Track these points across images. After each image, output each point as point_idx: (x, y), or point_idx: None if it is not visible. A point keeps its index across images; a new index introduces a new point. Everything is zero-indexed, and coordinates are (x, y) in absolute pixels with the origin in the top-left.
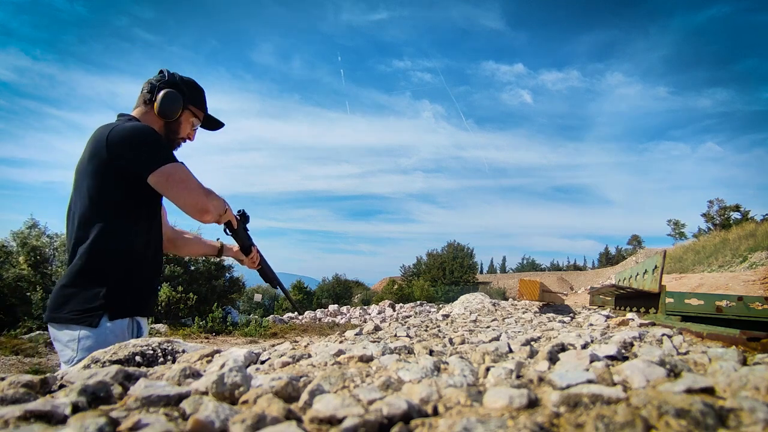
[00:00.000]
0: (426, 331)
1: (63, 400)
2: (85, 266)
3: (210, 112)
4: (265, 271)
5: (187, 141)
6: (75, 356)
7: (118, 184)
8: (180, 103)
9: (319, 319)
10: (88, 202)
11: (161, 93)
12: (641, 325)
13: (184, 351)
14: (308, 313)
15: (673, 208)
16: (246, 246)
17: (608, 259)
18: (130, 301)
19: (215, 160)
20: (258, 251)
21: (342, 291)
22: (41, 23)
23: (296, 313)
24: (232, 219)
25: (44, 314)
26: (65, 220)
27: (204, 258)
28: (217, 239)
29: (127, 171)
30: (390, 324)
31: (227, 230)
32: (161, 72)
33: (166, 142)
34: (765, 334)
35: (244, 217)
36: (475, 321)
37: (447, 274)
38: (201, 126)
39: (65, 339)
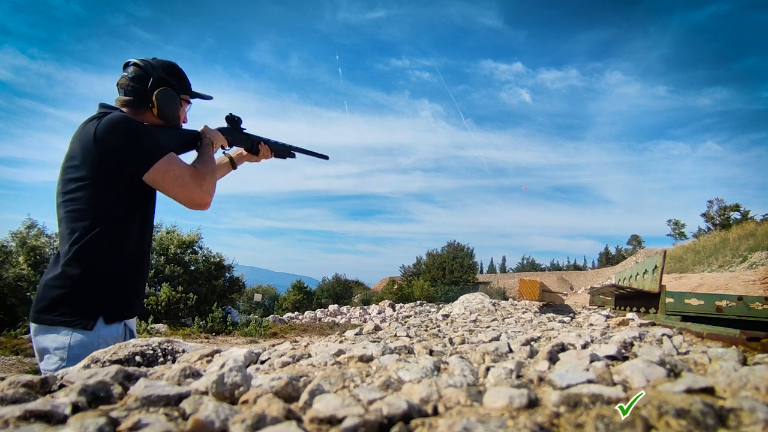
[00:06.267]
0: (426, 331)
1: (63, 400)
2: (79, 267)
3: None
4: (281, 153)
5: (183, 125)
6: (63, 365)
7: (113, 182)
8: (178, 101)
9: (319, 319)
10: (83, 203)
11: (158, 95)
12: (641, 325)
13: (184, 351)
14: (308, 313)
15: (673, 208)
16: (251, 147)
17: (608, 259)
18: (124, 303)
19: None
20: (266, 142)
21: (342, 291)
22: (38, 22)
23: (323, 158)
24: (222, 143)
25: (30, 312)
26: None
27: (204, 258)
28: (224, 153)
29: (120, 167)
30: (390, 324)
31: (224, 151)
32: (136, 65)
33: (154, 133)
34: (765, 334)
35: (233, 122)
36: (475, 321)
37: (447, 274)
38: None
39: (53, 345)
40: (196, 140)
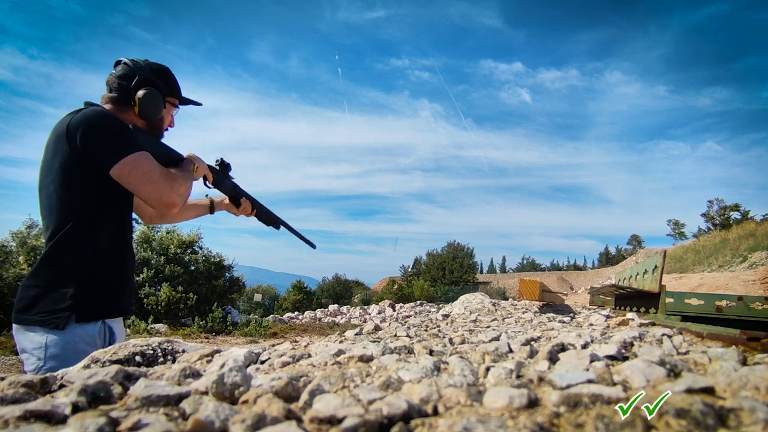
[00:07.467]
0: (426, 331)
1: (63, 400)
2: (52, 266)
3: (198, 101)
4: (262, 216)
5: (169, 129)
6: (42, 365)
7: (84, 177)
8: (161, 101)
9: (319, 319)
10: (55, 198)
11: (140, 94)
12: (641, 325)
13: (184, 351)
14: (308, 313)
15: (673, 208)
16: (234, 196)
17: (608, 259)
18: (100, 301)
19: (213, 159)
20: (250, 198)
21: (342, 291)
22: (37, 21)
23: (311, 246)
24: (207, 174)
25: (12, 314)
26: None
27: (204, 258)
28: (206, 195)
29: (90, 162)
30: (390, 324)
31: (206, 184)
32: (125, 64)
33: (130, 131)
34: (765, 334)
35: (223, 166)
36: (475, 321)
37: (447, 274)
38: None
39: (30, 346)
40: (177, 160)
